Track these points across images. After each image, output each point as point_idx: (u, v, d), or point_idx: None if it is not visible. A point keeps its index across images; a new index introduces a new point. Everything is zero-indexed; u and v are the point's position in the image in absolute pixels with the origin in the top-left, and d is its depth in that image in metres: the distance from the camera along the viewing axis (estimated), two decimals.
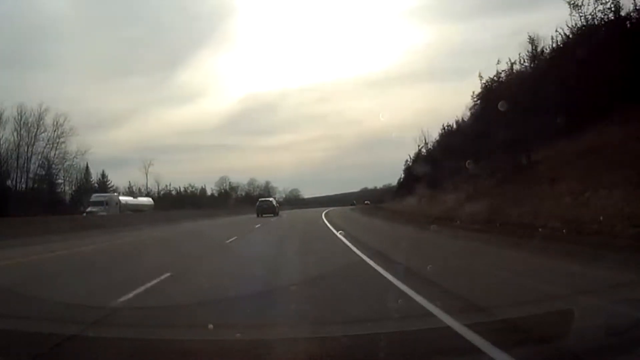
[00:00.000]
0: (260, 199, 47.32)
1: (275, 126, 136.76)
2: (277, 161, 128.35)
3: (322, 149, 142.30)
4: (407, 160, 52.39)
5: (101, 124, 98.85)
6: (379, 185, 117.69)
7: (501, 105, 18.81)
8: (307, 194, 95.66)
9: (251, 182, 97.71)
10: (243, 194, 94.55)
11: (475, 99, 26.56)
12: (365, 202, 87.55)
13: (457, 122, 36.16)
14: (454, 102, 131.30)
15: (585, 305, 4.83)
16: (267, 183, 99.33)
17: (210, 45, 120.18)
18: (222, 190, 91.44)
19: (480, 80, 25.17)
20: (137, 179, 72.88)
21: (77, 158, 53.68)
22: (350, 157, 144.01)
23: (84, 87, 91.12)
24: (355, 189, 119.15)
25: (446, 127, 39.07)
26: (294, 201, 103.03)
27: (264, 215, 40.91)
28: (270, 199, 47.48)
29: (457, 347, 3.88)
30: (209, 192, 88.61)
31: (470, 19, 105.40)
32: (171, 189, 78.52)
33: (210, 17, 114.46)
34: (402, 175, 57.23)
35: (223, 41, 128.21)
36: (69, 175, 55.58)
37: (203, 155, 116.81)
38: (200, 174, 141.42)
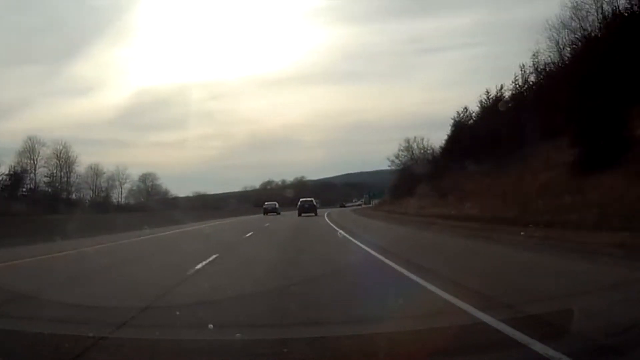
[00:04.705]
0: (301, 199, 46.89)
1: (168, 122, 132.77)
2: (169, 157, 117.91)
3: (214, 147, 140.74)
4: (436, 151, 50.05)
5: None
6: (289, 177, 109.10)
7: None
8: (181, 192, 77.62)
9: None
10: None
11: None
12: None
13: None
14: (350, 104, 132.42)
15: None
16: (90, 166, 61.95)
17: (106, 37, 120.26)
18: None
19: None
20: None
21: None
22: (242, 155, 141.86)
23: None
24: (255, 184, 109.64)
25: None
26: (159, 202, 64.72)
27: (303, 215, 40.93)
28: (311, 198, 46.89)
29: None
30: None
31: (368, 23, 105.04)
32: None
33: (108, 9, 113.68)
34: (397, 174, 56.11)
35: (119, 34, 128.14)
36: None
37: (95, 150, 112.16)
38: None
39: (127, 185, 68.81)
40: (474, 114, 40.23)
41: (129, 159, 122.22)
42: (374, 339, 4.25)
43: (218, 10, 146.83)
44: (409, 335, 4.30)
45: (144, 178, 71.53)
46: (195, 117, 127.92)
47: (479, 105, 38.34)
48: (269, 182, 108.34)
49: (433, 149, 51.89)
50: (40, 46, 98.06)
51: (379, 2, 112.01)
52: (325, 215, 38.68)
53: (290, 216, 41.16)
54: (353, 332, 4.37)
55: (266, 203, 54.47)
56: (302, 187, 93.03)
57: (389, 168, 59.10)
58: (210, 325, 4.71)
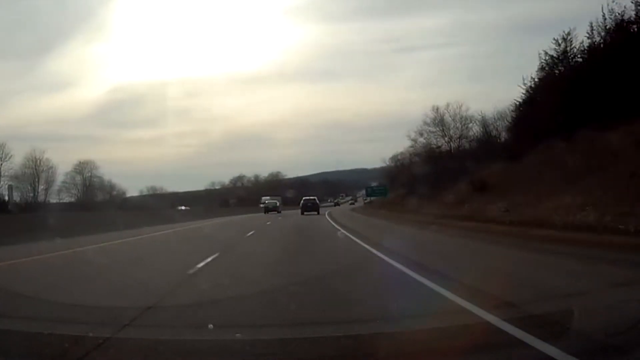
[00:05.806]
0: (304, 198, 46.82)
1: (143, 119, 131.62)
2: (143, 154, 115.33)
3: (189, 145, 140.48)
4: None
5: None
6: (264, 174, 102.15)
7: None
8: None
9: None
10: None
11: None
12: None
13: None
14: (327, 103, 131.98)
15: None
16: None
17: (82, 33, 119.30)
18: None
19: None
20: None
21: None
22: (216, 152, 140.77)
23: None
24: (224, 180, 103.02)
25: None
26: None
27: (305, 213, 40.54)
28: (314, 197, 46.62)
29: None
30: None
31: (345, 22, 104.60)
32: None
33: (83, 4, 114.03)
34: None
35: (95, 30, 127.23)
36: None
37: (68, 146, 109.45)
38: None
39: (58, 177, 53.62)
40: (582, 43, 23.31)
41: (102, 156, 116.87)
42: (375, 338, 4.23)
43: (195, 8, 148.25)
44: (409, 335, 4.30)
45: (81, 168, 54.82)
46: (171, 115, 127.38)
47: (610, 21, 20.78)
48: (240, 178, 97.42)
49: (484, 116, 39.64)
50: (15, 42, 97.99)
51: (356, 1, 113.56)
52: (326, 214, 37.43)
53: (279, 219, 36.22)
54: (353, 332, 4.36)
55: (267, 201, 53.75)
56: (277, 184, 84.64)
57: (366, 167, 55.25)
58: (210, 325, 4.71)
